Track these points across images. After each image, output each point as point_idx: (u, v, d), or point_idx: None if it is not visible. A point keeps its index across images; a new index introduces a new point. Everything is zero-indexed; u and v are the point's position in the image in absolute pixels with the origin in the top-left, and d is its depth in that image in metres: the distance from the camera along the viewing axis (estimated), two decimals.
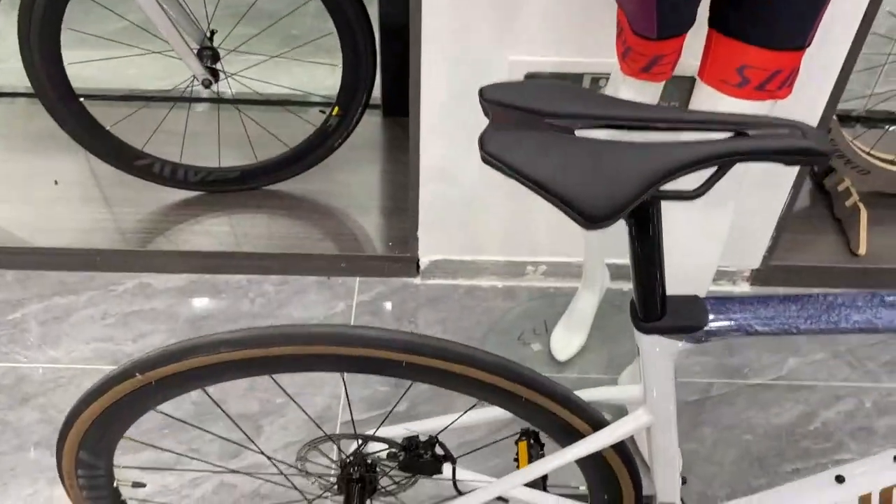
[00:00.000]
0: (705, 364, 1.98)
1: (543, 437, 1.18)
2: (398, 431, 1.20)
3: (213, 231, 2.14)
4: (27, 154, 2.35)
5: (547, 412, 0.94)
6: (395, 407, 1.75)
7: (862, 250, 2.13)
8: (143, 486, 1.14)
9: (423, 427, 1.17)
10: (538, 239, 2.05)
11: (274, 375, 0.95)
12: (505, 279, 2.15)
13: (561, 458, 0.97)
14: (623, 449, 0.98)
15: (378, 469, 1.17)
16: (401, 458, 1.16)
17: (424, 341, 0.89)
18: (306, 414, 1.79)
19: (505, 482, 1.19)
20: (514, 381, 0.90)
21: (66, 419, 0.98)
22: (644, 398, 0.93)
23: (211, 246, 2.08)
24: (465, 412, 1.11)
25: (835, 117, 2.11)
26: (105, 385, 0.93)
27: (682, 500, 1.08)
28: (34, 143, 2.37)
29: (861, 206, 2.17)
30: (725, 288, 2.17)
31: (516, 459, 1.30)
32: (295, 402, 1.81)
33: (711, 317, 0.81)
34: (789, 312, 0.80)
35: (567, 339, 1.94)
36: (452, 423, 1.13)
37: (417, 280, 2.15)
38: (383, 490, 1.18)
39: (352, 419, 1.80)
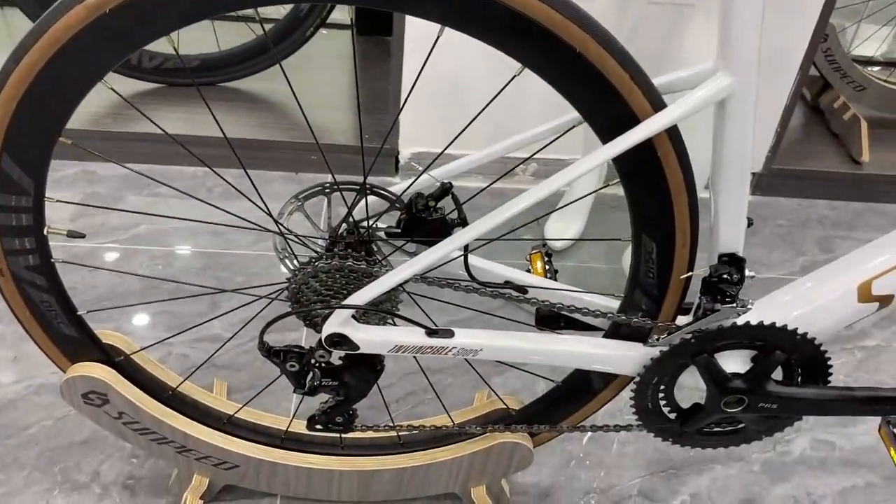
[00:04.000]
0: None
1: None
2: (399, 187, 1.00)
3: (167, 118, 1.92)
4: None
5: (600, 79, 0.76)
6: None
7: (865, 157, 2.02)
8: (82, 236, 0.90)
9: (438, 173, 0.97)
10: (526, 132, 1.88)
11: None
12: (491, 178, 1.96)
13: (611, 148, 0.78)
14: (678, 137, 0.80)
15: (374, 237, 0.96)
16: (401, 218, 0.95)
17: None
18: None
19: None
20: (572, 18, 0.72)
21: None
22: (721, 53, 0.76)
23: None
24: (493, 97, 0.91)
25: (832, 22, 2.03)
26: (46, 23, 0.72)
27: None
28: None
29: (860, 116, 2.08)
30: None
31: (529, 272, 1.10)
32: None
33: None
34: None
35: (563, 227, 1.76)
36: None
37: (396, 179, 1.95)
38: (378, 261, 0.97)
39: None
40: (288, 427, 1.14)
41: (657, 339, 0.95)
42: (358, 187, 0.95)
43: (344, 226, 0.96)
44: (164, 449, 1.10)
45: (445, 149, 0.87)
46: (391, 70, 1.81)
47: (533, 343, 0.94)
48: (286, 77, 0.79)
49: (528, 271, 1.10)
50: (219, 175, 1.04)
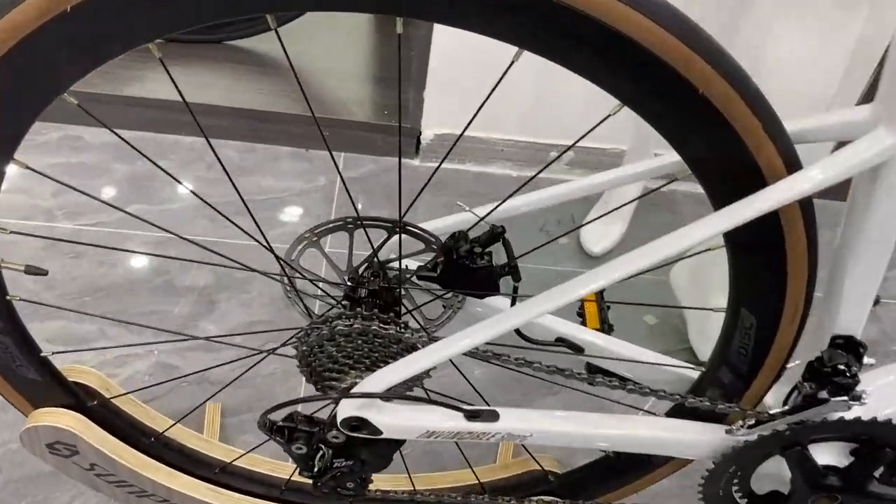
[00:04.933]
0: None
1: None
2: (437, 224, 0.82)
3: (161, 80, 1.71)
4: None
5: (722, 125, 0.57)
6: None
7: None
8: (44, 273, 0.73)
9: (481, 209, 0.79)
10: (569, 117, 1.68)
11: None
12: (521, 167, 1.77)
13: (728, 219, 0.59)
14: (809, 202, 0.62)
15: (403, 282, 0.78)
16: (439, 264, 0.77)
17: None
18: None
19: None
20: (696, 48, 0.53)
21: None
22: (885, 105, 0.57)
23: (159, 95, 1.66)
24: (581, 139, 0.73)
25: None
26: None
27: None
28: None
29: None
30: None
31: (581, 314, 0.93)
32: None
33: None
34: None
35: (603, 229, 1.57)
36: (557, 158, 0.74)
37: (416, 161, 1.76)
38: (405, 314, 0.79)
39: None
40: (291, 477, 0.98)
41: (743, 426, 0.78)
42: (389, 225, 0.77)
43: (365, 266, 0.79)
44: (146, 502, 0.94)
45: (465, 129, 0.69)
46: (414, 40, 1.60)
47: (594, 427, 0.77)
48: (282, 45, 0.61)
49: (580, 317, 0.93)
50: (223, 173, 0.85)
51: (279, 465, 0.99)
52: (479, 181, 1.73)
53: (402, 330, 0.71)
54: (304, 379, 0.76)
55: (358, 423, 0.70)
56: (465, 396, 0.84)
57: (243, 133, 1.68)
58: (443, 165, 1.73)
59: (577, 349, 0.84)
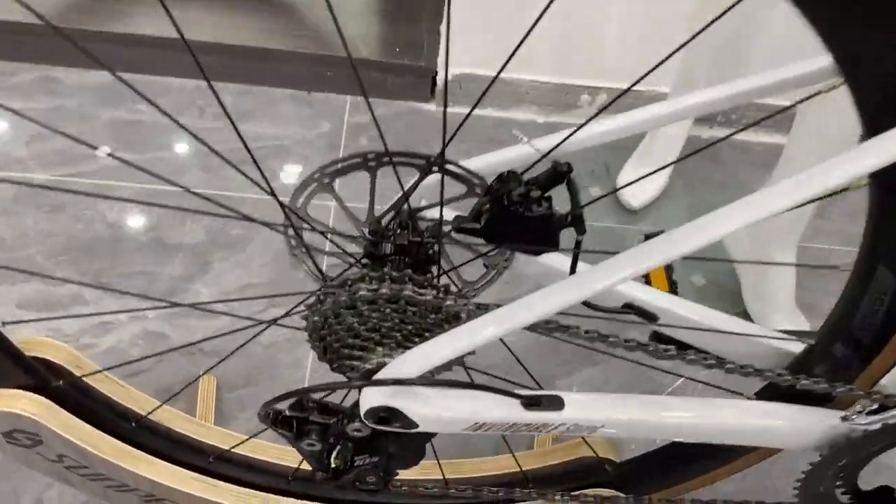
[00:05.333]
0: None
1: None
2: (481, 163, 0.65)
3: (148, 14, 1.53)
4: None
5: None
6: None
7: None
8: None
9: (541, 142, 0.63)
10: (603, 55, 1.50)
11: None
12: (549, 112, 1.60)
13: (887, 148, 0.43)
14: None
15: (440, 230, 0.62)
16: (484, 213, 0.61)
17: None
18: None
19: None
20: None
21: None
22: None
23: (146, 31, 1.48)
24: None
25: None
26: None
27: None
28: None
29: None
30: None
31: (644, 276, 0.77)
32: None
33: None
34: None
35: (643, 181, 1.41)
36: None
37: (431, 106, 1.58)
38: (444, 269, 0.63)
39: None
40: (300, 465, 0.83)
41: (862, 412, 0.62)
42: (423, 162, 0.60)
43: (391, 215, 0.63)
44: (127, 497, 0.80)
45: (502, 69, 0.53)
46: None
47: (679, 414, 0.61)
48: None
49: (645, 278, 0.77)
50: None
51: (286, 452, 0.85)
52: (501, 127, 1.56)
53: (443, 296, 0.55)
54: (312, 350, 0.61)
55: (387, 415, 0.55)
56: (494, 369, 0.69)
57: (238, 74, 1.51)
58: (460, 109, 1.56)
59: (650, 317, 0.69)
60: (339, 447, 0.60)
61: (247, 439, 0.82)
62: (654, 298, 0.69)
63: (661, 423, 0.61)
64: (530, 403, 0.57)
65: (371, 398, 0.54)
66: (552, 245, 0.62)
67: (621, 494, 0.78)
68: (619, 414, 0.59)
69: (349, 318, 0.56)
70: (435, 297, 0.55)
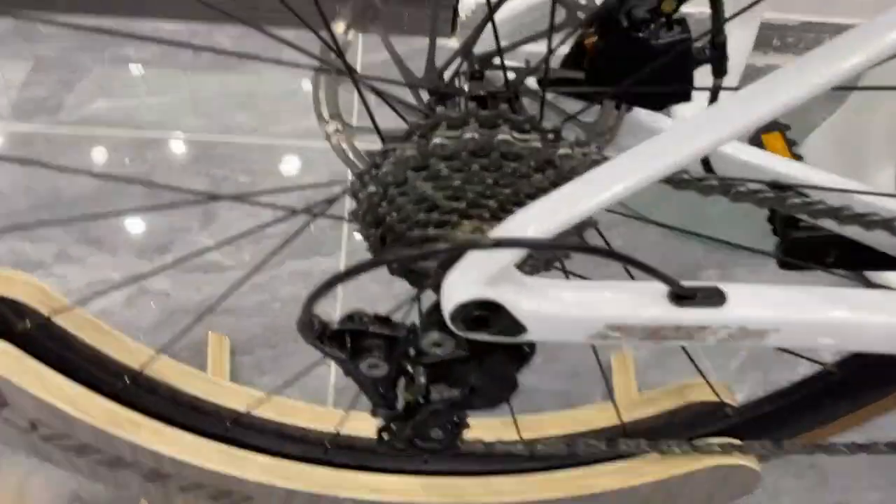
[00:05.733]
0: None
1: None
2: None
3: None
4: None
5: None
6: None
7: None
8: None
9: None
10: None
11: None
12: None
13: None
14: None
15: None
16: (591, 43, 0.44)
17: None
18: None
19: None
20: None
21: None
22: None
23: None
24: None
25: None
26: None
27: None
28: None
29: None
30: None
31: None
32: None
33: None
34: None
35: None
36: None
37: (454, 42, 1.41)
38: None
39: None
40: (339, 429, 0.67)
41: None
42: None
43: (460, 64, 0.46)
44: (123, 475, 0.63)
45: None
46: None
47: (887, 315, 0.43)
48: None
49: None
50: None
51: (322, 413, 0.68)
52: None
53: (556, 143, 0.38)
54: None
55: (485, 314, 0.38)
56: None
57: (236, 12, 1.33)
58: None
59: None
60: (407, 376, 0.43)
61: (269, 395, 0.65)
62: (786, 168, 0.51)
63: (870, 326, 0.43)
64: (681, 297, 0.40)
65: (461, 290, 0.37)
66: (684, 89, 0.45)
67: (750, 442, 0.62)
68: (807, 312, 0.41)
69: (420, 185, 0.39)
70: (543, 143, 0.38)
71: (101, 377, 0.60)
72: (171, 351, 0.64)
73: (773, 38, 1.43)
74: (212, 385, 0.66)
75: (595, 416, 0.68)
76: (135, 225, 1.02)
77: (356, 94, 0.45)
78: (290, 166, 1.12)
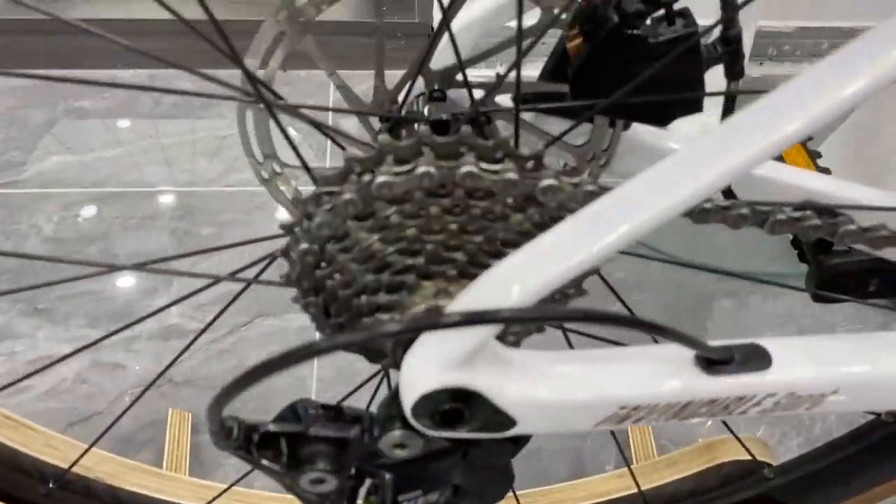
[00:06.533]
0: None
1: None
2: None
3: None
4: None
5: None
6: None
7: None
8: None
9: None
10: None
11: None
12: None
13: None
14: None
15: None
16: (576, 45, 0.35)
17: None
18: None
19: None
20: None
21: None
22: None
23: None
24: None
25: None
26: None
27: None
28: None
29: None
30: None
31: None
32: None
33: None
34: None
35: None
36: None
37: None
38: None
39: None
40: None
41: None
42: None
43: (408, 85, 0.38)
44: None
45: None
46: None
47: None
48: None
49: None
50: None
51: (285, 500, 0.58)
52: None
53: (537, 172, 0.29)
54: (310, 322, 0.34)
55: (457, 407, 0.28)
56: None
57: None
58: None
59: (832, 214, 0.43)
60: (368, 483, 0.33)
61: (227, 488, 0.55)
62: (826, 185, 0.42)
63: None
64: (712, 361, 0.30)
65: (424, 376, 0.27)
66: (694, 98, 0.36)
67: None
68: (873, 365, 0.32)
69: (364, 237, 0.30)
70: (521, 174, 0.29)
71: (22, 484, 0.50)
72: (126, 434, 0.54)
73: (769, 48, 1.36)
74: (160, 479, 0.57)
75: (607, 487, 0.58)
76: (85, 293, 0.92)
77: (294, 129, 0.36)
78: (257, 216, 1.03)
